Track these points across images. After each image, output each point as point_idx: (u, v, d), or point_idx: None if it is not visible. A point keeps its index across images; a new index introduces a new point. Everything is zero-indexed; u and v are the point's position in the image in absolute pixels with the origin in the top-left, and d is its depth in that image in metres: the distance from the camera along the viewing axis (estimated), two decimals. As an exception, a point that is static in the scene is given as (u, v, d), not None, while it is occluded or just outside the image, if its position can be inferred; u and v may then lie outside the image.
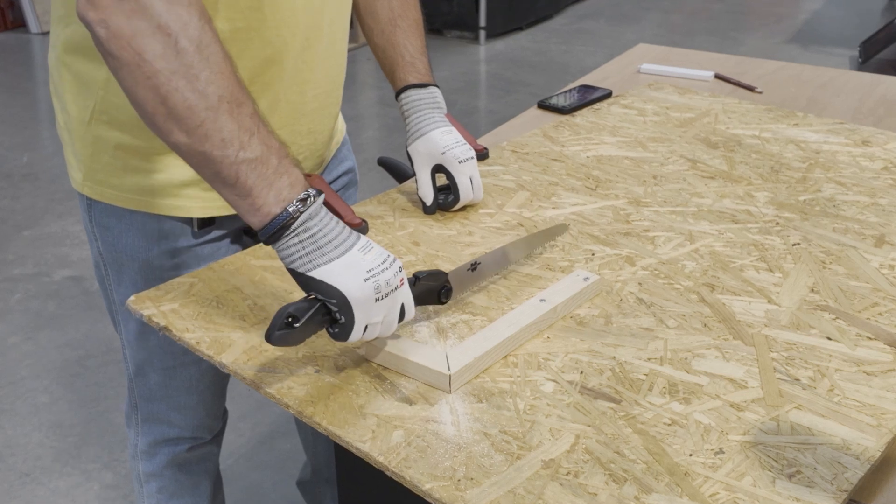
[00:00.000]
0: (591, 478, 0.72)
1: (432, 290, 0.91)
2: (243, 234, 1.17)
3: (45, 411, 2.18)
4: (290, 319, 0.79)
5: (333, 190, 1.14)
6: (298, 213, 0.79)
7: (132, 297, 0.97)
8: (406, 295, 0.85)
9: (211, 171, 0.81)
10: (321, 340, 0.90)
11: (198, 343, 0.90)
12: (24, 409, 2.18)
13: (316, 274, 0.79)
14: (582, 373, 0.85)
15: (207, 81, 0.78)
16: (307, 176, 1.12)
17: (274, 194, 0.80)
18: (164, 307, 0.96)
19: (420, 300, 0.89)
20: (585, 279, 0.98)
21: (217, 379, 1.23)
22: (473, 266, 0.97)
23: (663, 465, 0.73)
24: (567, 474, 0.73)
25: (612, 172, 1.30)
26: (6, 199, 3.30)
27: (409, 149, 1.17)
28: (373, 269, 0.80)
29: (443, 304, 0.93)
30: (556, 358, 0.88)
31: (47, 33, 5.37)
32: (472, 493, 0.71)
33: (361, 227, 1.11)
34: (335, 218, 0.82)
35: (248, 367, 0.87)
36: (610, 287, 1.00)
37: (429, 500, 0.72)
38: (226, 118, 0.79)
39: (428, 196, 1.16)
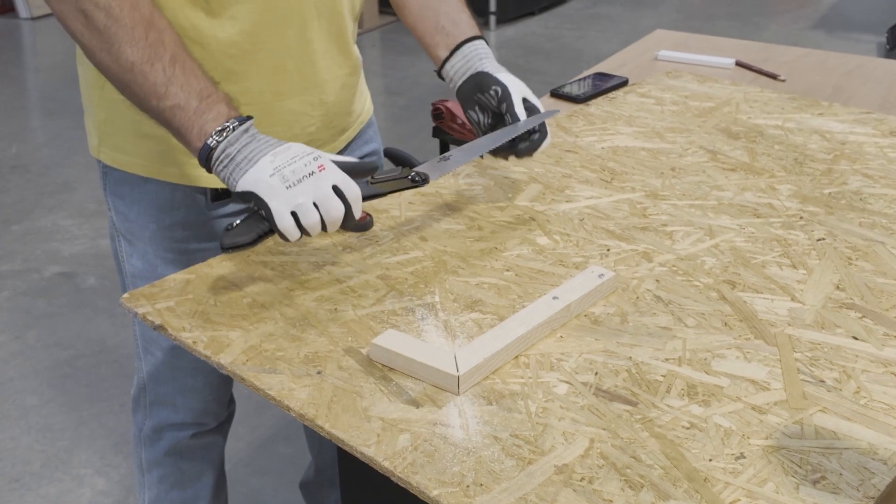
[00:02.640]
0: (607, 484, 0.71)
1: (397, 179, 0.98)
2: (210, 200, 1.16)
3: (35, 414, 2.14)
4: (231, 226, 0.90)
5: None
6: (216, 144, 0.90)
7: (126, 295, 0.97)
8: (333, 176, 0.89)
9: (159, 122, 0.93)
10: (323, 339, 0.89)
11: (195, 343, 0.89)
12: (12, 412, 2.15)
13: (239, 187, 0.90)
14: (597, 374, 0.84)
15: (119, 51, 0.90)
16: None
17: (197, 131, 0.91)
18: (159, 305, 0.95)
19: (391, 188, 0.97)
20: (600, 276, 0.96)
21: None
22: (445, 158, 1.03)
23: (682, 470, 0.72)
24: (581, 480, 0.71)
25: (628, 164, 1.29)
26: (-6, 192, 3.28)
27: (456, 93, 1.15)
28: (279, 165, 0.88)
29: (417, 185, 0.99)
30: (570, 358, 0.86)
31: (37, 18, 5.35)
32: (481, 500, 0.69)
33: (367, 222, 1.10)
34: (261, 136, 0.91)
35: (247, 367, 0.86)
36: (626, 284, 0.99)
37: (435, 507, 0.71)
38: (141, 79, 0.90)
39: (480, 120, 1.13)
